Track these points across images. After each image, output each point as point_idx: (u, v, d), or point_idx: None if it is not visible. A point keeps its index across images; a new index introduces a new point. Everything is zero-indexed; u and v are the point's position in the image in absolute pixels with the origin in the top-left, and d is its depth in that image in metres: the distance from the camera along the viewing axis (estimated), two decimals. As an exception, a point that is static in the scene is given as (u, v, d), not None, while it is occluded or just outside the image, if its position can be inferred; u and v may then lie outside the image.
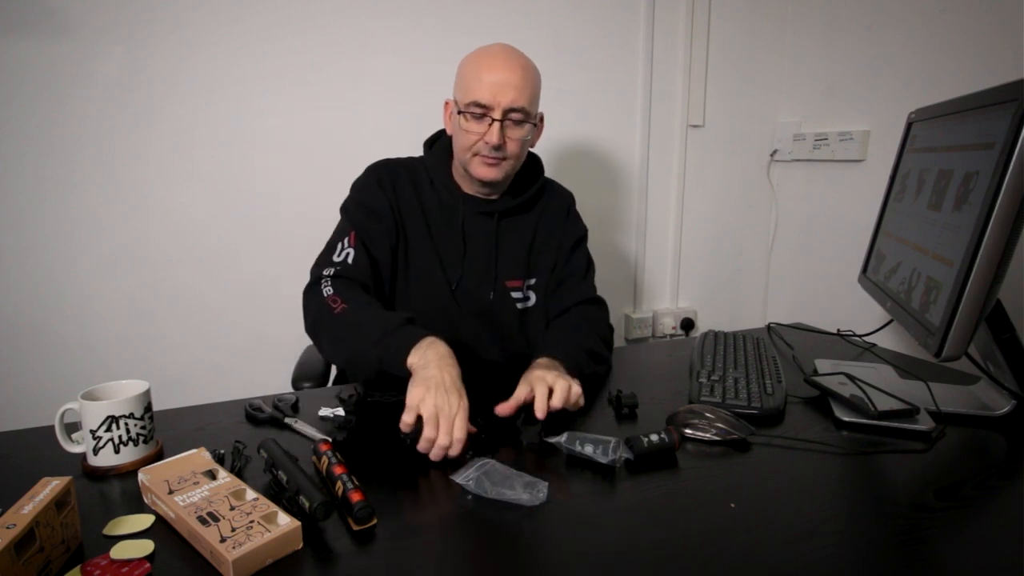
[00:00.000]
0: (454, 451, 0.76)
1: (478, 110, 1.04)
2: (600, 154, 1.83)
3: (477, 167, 1.09)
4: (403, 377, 0.85)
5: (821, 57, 1.80)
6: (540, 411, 0.82)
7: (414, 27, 1.54)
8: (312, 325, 1.01)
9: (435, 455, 0.76)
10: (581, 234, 1.25)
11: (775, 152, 1.96)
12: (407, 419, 0.78)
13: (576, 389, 0.87)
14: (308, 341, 1.36)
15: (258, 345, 1.57)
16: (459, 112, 1.07)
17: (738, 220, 2.02)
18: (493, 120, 1.04)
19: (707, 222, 1.99)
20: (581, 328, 1.10)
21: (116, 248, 1.45)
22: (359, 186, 1.15)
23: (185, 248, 1.50)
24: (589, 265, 1.24)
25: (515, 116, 1.05)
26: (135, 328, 1.49)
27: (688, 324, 2.02)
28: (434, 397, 0.78)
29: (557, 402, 0.83)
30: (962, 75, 1.40)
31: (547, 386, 0.85)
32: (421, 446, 0.77)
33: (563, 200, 1.26)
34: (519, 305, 1.17)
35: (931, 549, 0.60)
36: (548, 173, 1.30)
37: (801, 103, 1.88)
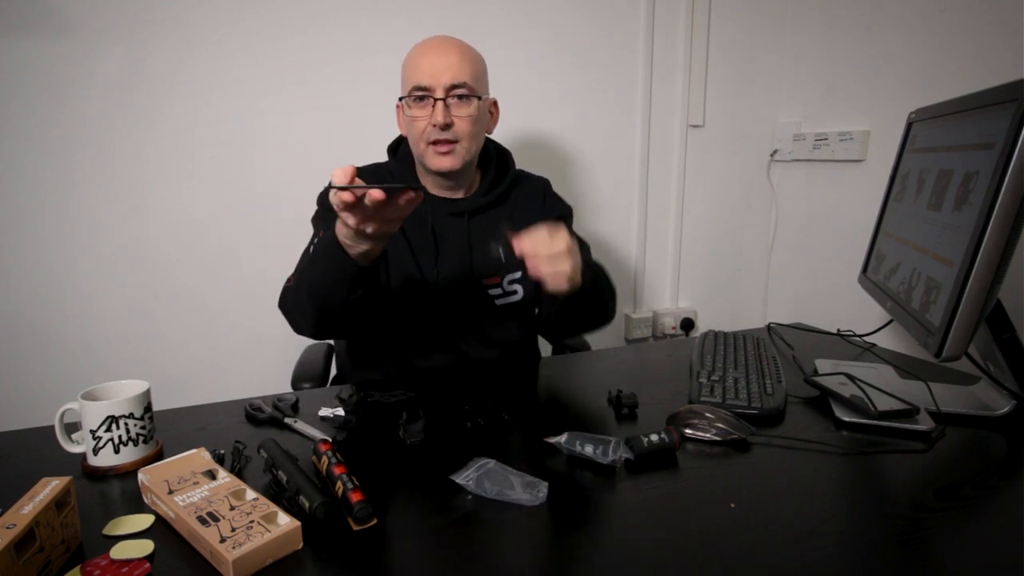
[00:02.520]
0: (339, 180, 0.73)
1: (420, 93, 1.05)
2: (600, 154, 1.83)
3: (432, 158, 1.08)
4: (363, 271, 0.86)
5: (821, 57, 1.80)
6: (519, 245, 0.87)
7: (414, 27, 1.54)
8: (289, 316, 1.03)
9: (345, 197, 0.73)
10: (561, 213, 1.23)
11: (775, 152, 1.96)
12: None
13: (561, 244, 0.87)
14: (308, 341, 1.37)
15: (258, 345, 1.58)
16: (402, 99, 1.09)
17: (738, 220, 2.02)
18: (436, 100, 1.04)
19: (707, 222, 1.99)
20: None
21: (116, 248, 1.45)
22: (325, 195, 1.15)
23: (185, 248, 1.50)
24: (580, 244, 1.21)
25: (458, 92, 1.05)
26: (135, 328, 1.49)
27: (688, 324, 2.02)
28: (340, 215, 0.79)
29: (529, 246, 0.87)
30: (962, 75, 1.40)
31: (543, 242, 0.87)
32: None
33: (537, 186, 1.24)
34: (498, 302, 1.16)
35: (931, 549, 0.60)
36: (547, 172, 1.30)
37: (801, 103, 1.88)
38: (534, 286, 1.17)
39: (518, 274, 1.17)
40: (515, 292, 1.17)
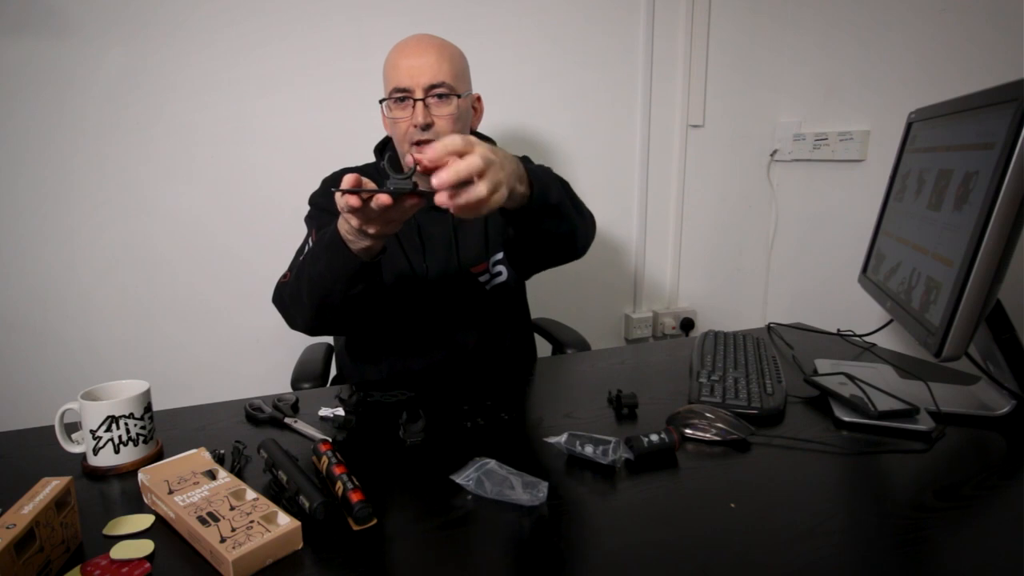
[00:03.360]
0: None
1: (399, 94, 1.06)
2: (600, 154, 1.83)
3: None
4: (364, 267, 0.86)
5: (821, 57, 1.80)
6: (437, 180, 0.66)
7: (413, 27, 1.53)
8: (285, 311, 1.03)
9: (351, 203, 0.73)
10: None
11: (775, 152, 1.96)
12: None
13: (474, 161, 0.66)
14: (308, 341, 1.37)
15: (258, 345, 1.58)
16: (383, 102, 1.09)
17: (738, 220, 2.02)
18: (415, 100, 1.05)
19: (707, 222, 1.99)
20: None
21: (116, 248, 1.45)
22: (317, 195, 1.17)
23: (185, 248, 1.50)
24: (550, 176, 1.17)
25: (438, 91, 1.06)
26: (135, 328, 1.49)
27: (688, 324, 2.02)
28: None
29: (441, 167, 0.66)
30: (962, 75, 1.40)
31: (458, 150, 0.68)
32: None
33: None
34: (488, 287, 1.17)
35: (931, 549, 0.60)
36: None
37: (801, 103, 1.88)
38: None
39: (500, 255, 1.18)
40: (500, 273, 1.18)
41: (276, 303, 1.05)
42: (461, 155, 0.68)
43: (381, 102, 1.11)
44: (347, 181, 0.74)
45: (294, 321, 1.03)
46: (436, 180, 0.66)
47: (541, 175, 0.87)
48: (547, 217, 0.89)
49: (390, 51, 1.10)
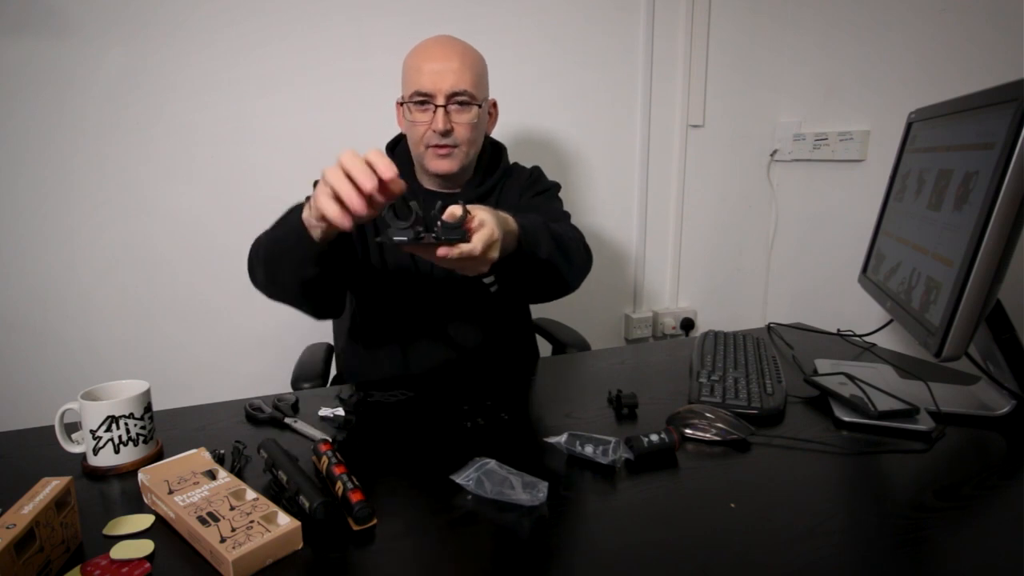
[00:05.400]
0: (383, 178, 0.72)
1: (420, 98, 1.06)
2: (600, 154, 1.83)
3: (431, 160, 1.10)
4: (319, 253, 0.83)
5: (821, 57, 1.80)
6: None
7: (413, 27, 1.54)
8: (249, 264, 1.00)
9: (351, 198, 0.72)
10: (545, 187, 1.23)
11: (775, 152, 1.96)
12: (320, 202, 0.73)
13: (472, 247, 0.75)
14: (308, 341, 1.37)
15: (258, 345, 1.58)
16: (403, 104, 1.10)
17: (738, 220, 2.02)
18: (437, 107, 1.05)
19: (707, 222, 1.99)
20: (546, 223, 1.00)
21: (116, 248, 1.45)
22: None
23: (185, 248, 1.50)
24: (561, 211, 1.19)
25: (459, 99, 1.06)
26: (135, 328, 1.49)
27: (688, 324, 2.02)
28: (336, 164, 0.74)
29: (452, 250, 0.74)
30: (962, 75, 1.40)
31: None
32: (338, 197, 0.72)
33: (524, 173, 1.25)
34: (492, 288, 1.17)
35: (931, 549, 0.60)
36: (548, 172, 1.30)
37: (801, 103, 1.88)
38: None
39: None
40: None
41: (249, 258, 1.01)
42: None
43: (401, 104, 1.11)
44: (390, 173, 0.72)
45: (254, 278, 1.00)
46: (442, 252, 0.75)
47: (532, 232, 0.91)
48: (534, 270, 0.94)
49: (412, 51, 1.10)
